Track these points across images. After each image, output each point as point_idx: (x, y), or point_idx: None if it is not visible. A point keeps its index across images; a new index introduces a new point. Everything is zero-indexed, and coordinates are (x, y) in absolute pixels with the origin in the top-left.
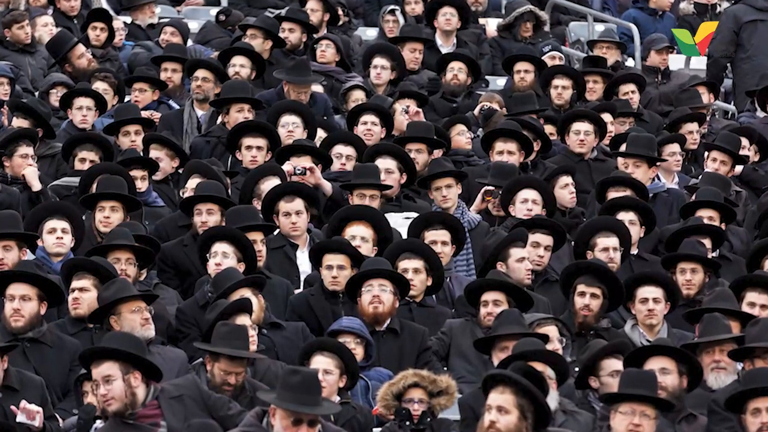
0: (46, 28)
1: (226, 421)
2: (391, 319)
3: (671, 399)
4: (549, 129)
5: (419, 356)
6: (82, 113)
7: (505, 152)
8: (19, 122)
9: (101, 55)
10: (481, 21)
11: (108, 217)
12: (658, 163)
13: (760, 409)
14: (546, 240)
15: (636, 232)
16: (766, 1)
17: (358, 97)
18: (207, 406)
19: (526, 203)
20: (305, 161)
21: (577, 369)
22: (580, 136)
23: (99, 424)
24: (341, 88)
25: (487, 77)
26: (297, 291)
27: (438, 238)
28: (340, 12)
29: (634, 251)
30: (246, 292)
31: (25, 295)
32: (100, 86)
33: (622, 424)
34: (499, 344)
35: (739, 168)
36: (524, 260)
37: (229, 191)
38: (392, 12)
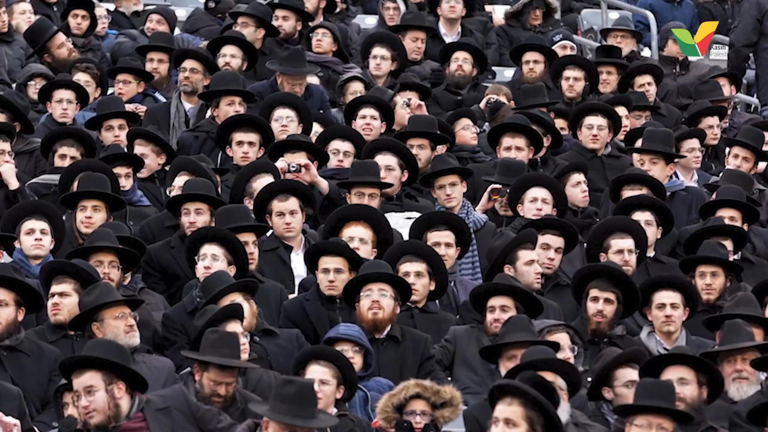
0: (24, 15)
1: None
2: (391, 326)
3: (690, 411)
4: (560, 123)
5: (421, 365)
6: (63, 106)
7: (513, 148)
8: None
9: (83, 45)
10: (488, 8)
11: (90, 217)
12: (676, 160)
13: None
14: (557, 241)
15: (652, 233)
16: None
17: (356, 89)
18: (195, 418)
19: (536, 202)
20: (300, 158)
21: (589, 379)
22: (593, 130)
23: None
24: (338, 79)
25: (493, 68)
26: (291, 296)
27: (441, 239)
28: None
29: (651, 253)
30: (237, 297)
31: (2, 300)
32: (81, 78)
33: None
34: (506, 353)
35: (762, 165)
36: (533, 263)
37: (219, 189)
38: None
